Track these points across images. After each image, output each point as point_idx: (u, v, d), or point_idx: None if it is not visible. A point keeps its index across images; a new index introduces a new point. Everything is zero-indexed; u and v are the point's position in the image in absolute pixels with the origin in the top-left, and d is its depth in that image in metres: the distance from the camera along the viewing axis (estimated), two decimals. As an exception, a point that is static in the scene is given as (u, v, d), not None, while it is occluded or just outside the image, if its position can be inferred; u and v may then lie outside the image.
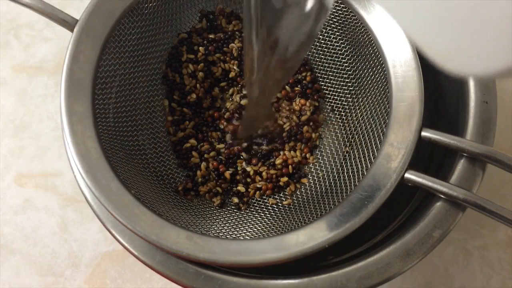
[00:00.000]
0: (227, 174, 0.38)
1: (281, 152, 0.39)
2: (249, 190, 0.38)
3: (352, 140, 0.38)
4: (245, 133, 0.38)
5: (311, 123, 0.39)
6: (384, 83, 0.34)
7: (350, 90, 0.39)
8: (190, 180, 0.38)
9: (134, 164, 0.35)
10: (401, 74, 0.32)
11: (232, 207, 0.38)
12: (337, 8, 0.37)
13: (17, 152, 0.45)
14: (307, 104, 0.39)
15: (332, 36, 0.40)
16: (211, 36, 0.41)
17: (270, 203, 0.38)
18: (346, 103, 0.40)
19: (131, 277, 0.41)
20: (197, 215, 0.35)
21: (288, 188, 0.38)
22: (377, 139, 0.34)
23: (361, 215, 0.29)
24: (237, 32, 0.41)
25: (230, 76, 0.40)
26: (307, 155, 0.39)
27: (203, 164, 0.38)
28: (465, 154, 0.31)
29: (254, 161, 0.38)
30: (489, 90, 0.33)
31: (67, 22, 0.33)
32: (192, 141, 0.39)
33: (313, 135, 0.39)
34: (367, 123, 0.36)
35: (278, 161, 0.38)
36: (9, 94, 0.47)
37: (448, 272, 0.41)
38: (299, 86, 0.40)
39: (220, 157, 0.38)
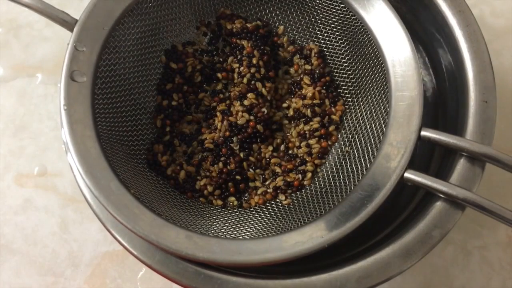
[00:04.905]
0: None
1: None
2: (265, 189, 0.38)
3: (352, 140, 0.38)
4: None
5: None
6: (383, 82, 0.34)
7: (350, 89, 0.39)
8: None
9: (134, 164, 0.35)
10: (401, 73, 0.32)
11: (234, 206, 0.38)
12: (337, 8, 0.37)
13: (17, 152, 0.45)
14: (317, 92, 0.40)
15: (332, 36, 0.40)
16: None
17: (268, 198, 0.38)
18: (345, 103, 0.40)
19: (131, 277, 0.41)
20: (196, 214, 0.35)
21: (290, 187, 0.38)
22: (376, 138, 0.34)
23: (360, 215, 0.29)
24: (244, 31, 0.40)
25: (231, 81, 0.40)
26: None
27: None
28: (464, 154, 0.31)
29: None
30: (489, 90, 0.32)
31: (66, 22, 0.33)
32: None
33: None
34: (367, 123, 0.36)
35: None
36: (9, 94, 0.47)
37: (448, 272, 0.41)
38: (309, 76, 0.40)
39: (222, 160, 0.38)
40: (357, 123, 0.38)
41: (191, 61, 0.40)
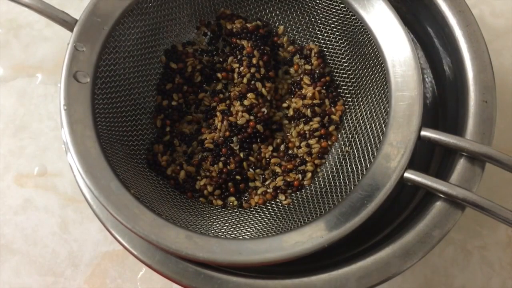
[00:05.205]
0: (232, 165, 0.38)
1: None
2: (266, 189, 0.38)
3: (352, 140, 0.38)
4: None
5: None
6: (383, 82, 0.34)
7: (350, 89, 0.39)
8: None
9: (134, 164, 0.35)
10: (401, 73, 0.32)
11: (234, 206, 0.38)
12: (337, 8, 0.37)
13: (17, 152, 0.45)
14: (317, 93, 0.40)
15: (332, 36, 0.40)
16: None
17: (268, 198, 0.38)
18: (345, 103, 0.40)
19: (131, 277, 0.41)
20: (196, 214, 0.35)
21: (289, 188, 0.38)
22: (376, 138, 0.34)
23: (360, 215, 0.29)
24: (244, 31, 0.40)
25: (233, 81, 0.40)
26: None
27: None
28: (464, 154, 0.31)
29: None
30: (489, 90, 0.32)
31: (66, 22, 0.33)
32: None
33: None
34: (367, 123, 0.36)
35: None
36: (9, 94, 0.47)
37: (448, 272, 0.41)
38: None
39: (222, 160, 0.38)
40: (357, 123, 0.38)
41: (191, 61, 0.40)
